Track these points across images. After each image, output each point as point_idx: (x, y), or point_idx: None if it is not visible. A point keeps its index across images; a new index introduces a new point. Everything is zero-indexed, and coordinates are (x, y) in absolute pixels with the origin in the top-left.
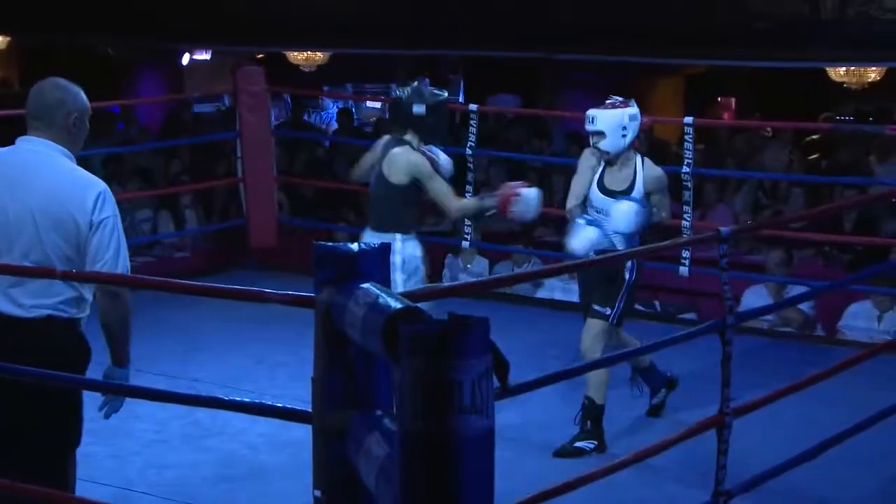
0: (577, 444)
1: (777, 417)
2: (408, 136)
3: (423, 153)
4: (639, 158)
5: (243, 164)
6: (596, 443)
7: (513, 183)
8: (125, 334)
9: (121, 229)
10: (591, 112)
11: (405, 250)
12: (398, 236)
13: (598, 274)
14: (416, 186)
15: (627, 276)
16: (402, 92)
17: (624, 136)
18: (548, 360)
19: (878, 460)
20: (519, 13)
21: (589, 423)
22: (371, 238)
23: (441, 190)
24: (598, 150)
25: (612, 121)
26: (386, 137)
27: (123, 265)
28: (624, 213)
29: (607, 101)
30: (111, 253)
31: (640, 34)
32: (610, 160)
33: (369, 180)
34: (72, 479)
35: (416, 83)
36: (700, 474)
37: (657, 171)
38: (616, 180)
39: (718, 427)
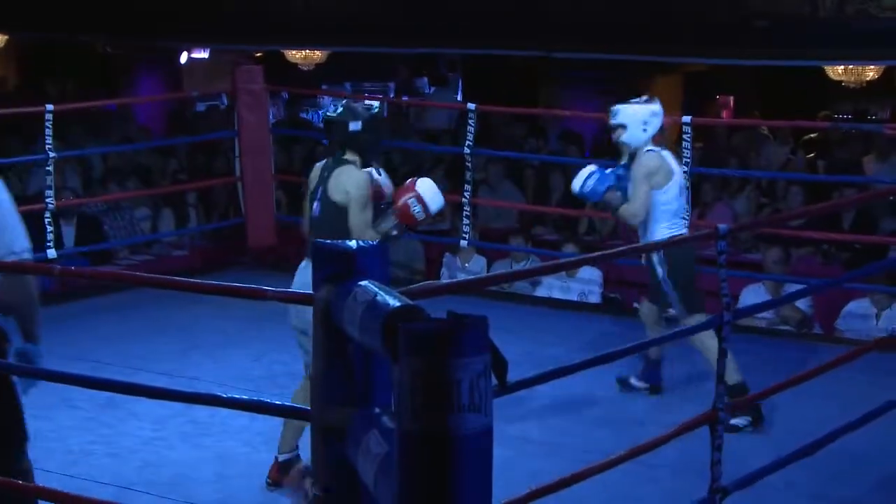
0: (733, 421)
1: (774, 414)
2: (348, 156)
3: (370, 176)
4: (655, 152)
5: (242, 162)
6: (750, 418)
7: (405, 187)
8: (32, 311)
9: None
10: (615, 106)
11: None
12: None
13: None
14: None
15: (660, 272)
16: (333, 111)
17: (645, 130)
18: (546, 358)
19: (875, 457)
20: (517, 11)
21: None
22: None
23: (364, 221)
24: (620, 143)
25: (635, 115)
26: (321, 163)
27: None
28: (580, 173)
29: (633, 100)
30: None
31: (639, 32)
32: (632, 154)
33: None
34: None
35: (345, 101)
36: (697, 471)
37: (647, 161)
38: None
39: (711, 423)
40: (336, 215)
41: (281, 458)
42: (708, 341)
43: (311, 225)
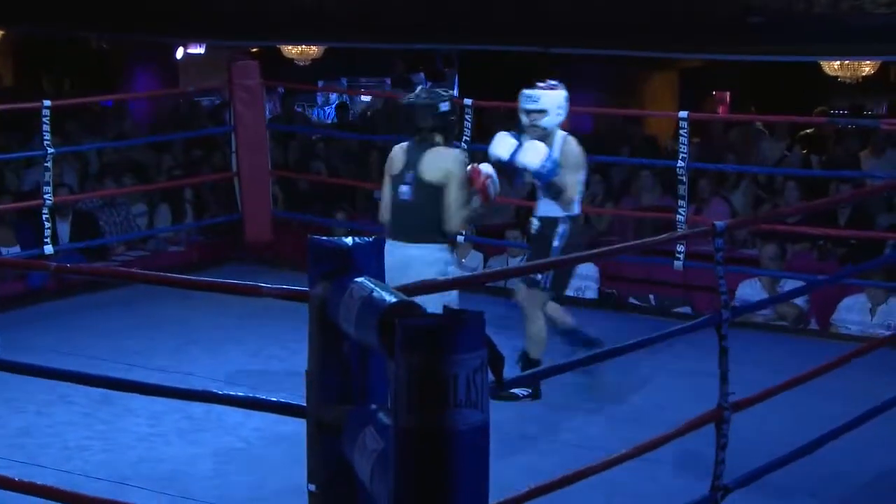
0: (513, 390)
1: (773, 411)
2: (437, 138)
3: (465, 155)
4: (561, 136)
5: (238, 158)
6: (530, 391)
7: (477, 169)
8: None
9: None
10: (533, 92)
11: (450, 263)
12: (444, 247)
13: (534, 241)
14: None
15: (556, 243)
16: (417, 95)
17: (559, 115)
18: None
19: (876, 453)
20: (514, 7)
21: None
22: (407, 250)
23: (462, 199)
24: (537, 126)
25: (555, 101)
26: (400, 147)
27: None
28: (535, 149)
29: (541, 84)
30: None
31: (636, 28)
32: (541, 137)
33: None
34: None
35: (419, 87)
36: (698, 468)
37: (575, 148)
38: None
39: (717, 422)
40: (431, 196)
41: None
42: (542, 333)
43: (399, 208)
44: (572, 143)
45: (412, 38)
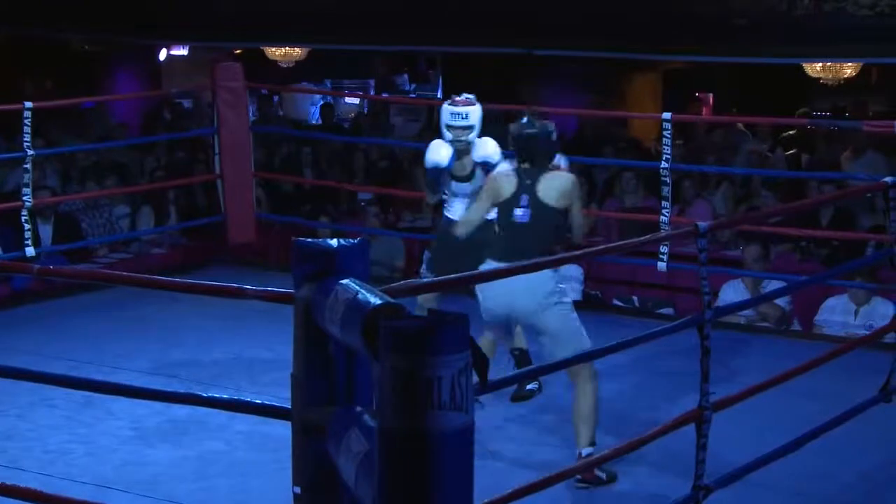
0: (528, 387)
1: (755, 411)
2: (549, 163)
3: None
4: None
5: (221, 160)
6: (537, 383)
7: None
8: None
9: None
10: (460, 109)
11: (557, 277)
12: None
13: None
14: (564, 211)
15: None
16: (531, 125)
17: (478, 128)
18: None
19: (857, 453)
20: (498, 9)
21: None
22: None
23: (582, 216)
24: (462, 141)
25: (479, 115)
26: (509, 172)
27: None
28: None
29: (458, 98)
30: None
31: (620, 30)
32: (466, 151)
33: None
34: None
35: (525, 113)
36: (679, 468)
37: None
38: (460, 167)
39: (697, 422)
40: (547, 217)
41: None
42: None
43: (514, 230)
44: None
45: (396, 40)
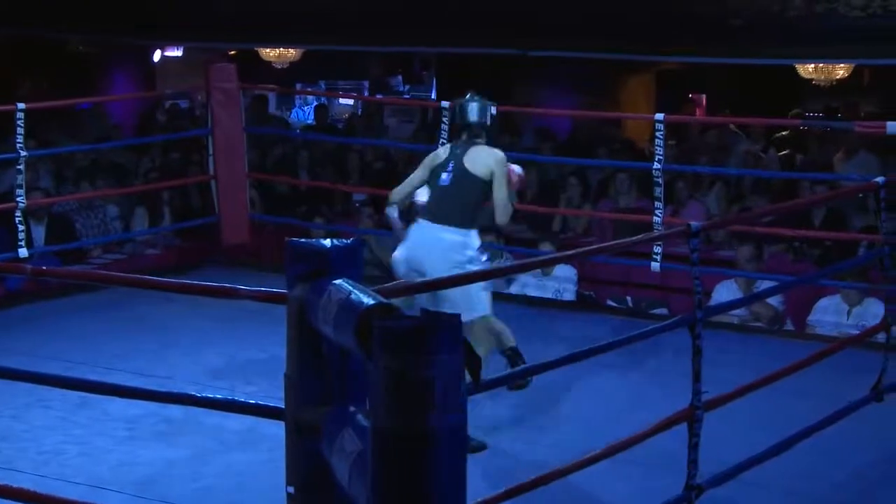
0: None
1: (747, 410)
2: (481, 139)
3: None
4: None
5: (215, 160)
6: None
7: (511, 169)
8: None
9: None
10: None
11: (473, 249)
12: (473, 232)
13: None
14: (488, 184)
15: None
16: (467, 100)
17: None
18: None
19: (849, 452)
20: (493, 10)
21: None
22: (438, 233)
23: (508, 194)
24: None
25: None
26: (447, 145)
27: None
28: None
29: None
30: None
31: (614, 31)
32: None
33: (425, 185)
34: None
35: (468, 93)
36: (672, 468)
37: None
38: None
39: (689, 421)
40: (468, 186)
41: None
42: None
43: (437, 194)
44: None
45: (390, 42)
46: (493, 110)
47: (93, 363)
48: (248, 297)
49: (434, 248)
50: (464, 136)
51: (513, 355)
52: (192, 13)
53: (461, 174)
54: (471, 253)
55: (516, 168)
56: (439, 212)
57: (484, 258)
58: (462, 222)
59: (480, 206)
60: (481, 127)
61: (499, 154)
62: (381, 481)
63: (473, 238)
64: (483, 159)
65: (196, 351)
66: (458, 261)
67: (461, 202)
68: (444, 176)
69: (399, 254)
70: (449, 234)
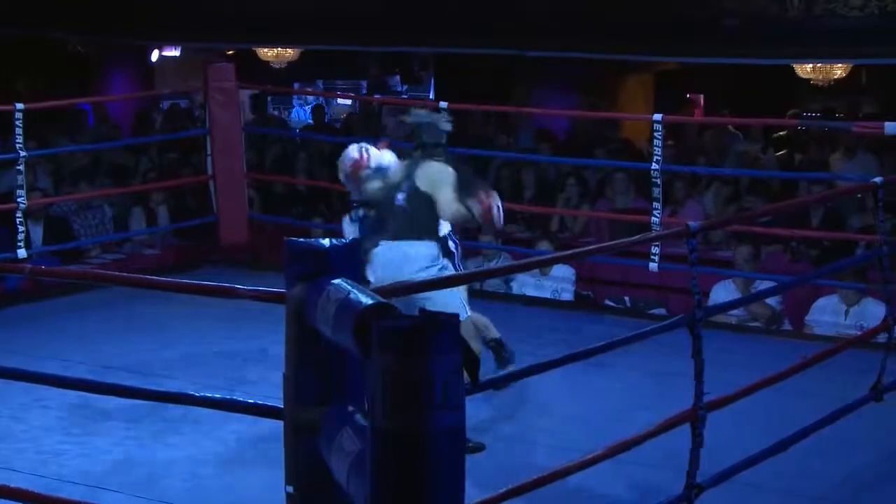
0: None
1: (745, 410)
2: (435, 153)
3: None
4: None
5: (213, 160)
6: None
7: (490, 195)
8: None
9: None
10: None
11: (437, 258)
12: (432, 244)
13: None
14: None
15: None
16: (421, 116)
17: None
18: (518, 355)
19: (848, 452)
20: (490, 10)
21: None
22: (403, 248)
23: (452, 197)
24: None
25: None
26: (405, 161)
27: None
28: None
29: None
30: None
31: (612, 32)
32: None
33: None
34: None
35: (418, 107)
36: (672, 468)
37: None
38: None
39: (692, 421)
40: (419, 202)
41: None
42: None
43: (395, 212)
44: None
45: (388, 42)
46: (447, 126)
47: (91, 363)
48: (247, 297)
49: (403, 263)
50: (418, 153)
51: (497, 346)
52: (190, 13)
53: (413, 192)
54: (440, 261)
55: (495, 200)
56: (400, 230)
57: (449, 265)
58: (422, 235)
59: (438, 218)
60: (434, 145)
61: (442, 167)
62: (380, 481)
63: (435, 248)
64: (430, 176)
65: (195, 351)
66: (430, 271)
67: (417, 219)
68: (399, 196)
69: (371, 277)
70: (413, 249)
